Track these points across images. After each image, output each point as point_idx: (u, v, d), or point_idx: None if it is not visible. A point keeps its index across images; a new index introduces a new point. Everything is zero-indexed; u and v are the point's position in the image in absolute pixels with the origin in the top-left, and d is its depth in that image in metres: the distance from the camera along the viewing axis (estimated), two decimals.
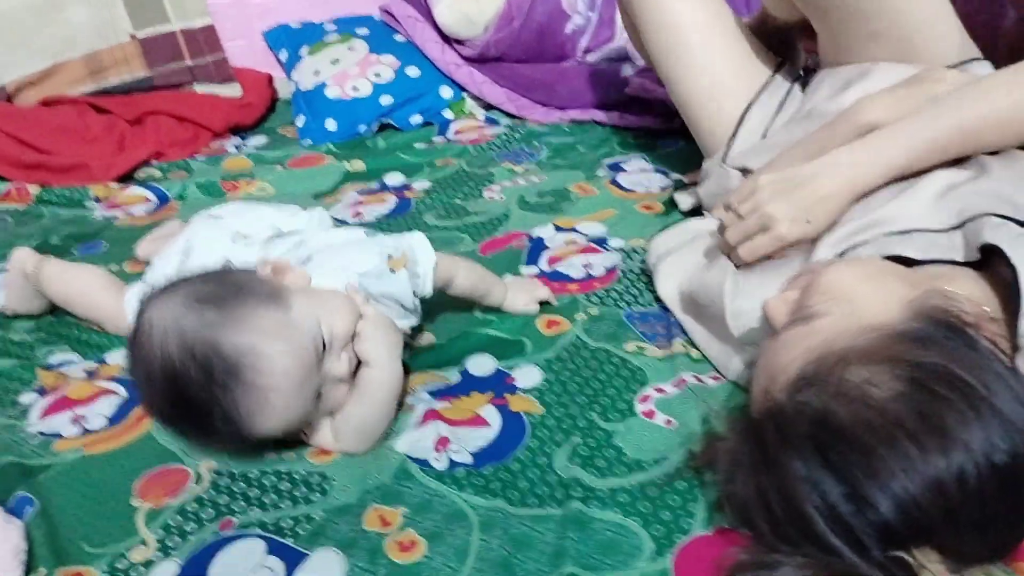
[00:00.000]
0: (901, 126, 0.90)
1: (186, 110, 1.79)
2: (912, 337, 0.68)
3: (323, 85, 1.81)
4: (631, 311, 1.08)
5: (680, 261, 1.08)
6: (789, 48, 1.33)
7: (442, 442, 0.87)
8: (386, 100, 1.79)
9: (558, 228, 1.30)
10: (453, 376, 0.98)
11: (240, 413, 0.77)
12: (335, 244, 0.98)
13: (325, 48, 1.90)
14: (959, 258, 0.79)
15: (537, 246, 1.25)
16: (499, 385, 0.96)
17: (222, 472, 0.85)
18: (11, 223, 1.45)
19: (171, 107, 1.79)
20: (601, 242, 1.25)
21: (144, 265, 1.19)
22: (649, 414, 0.90)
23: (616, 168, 1.50)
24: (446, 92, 1.83)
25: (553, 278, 1.16)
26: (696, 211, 1.28)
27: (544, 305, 1.09)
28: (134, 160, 1.63)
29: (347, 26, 1.98)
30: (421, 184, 1.51)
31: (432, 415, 0.91)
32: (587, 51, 1.86)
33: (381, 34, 1.94)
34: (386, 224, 1.37)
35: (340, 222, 1.37)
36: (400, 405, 0.91)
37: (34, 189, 1.54)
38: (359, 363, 0.86)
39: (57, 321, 1.12)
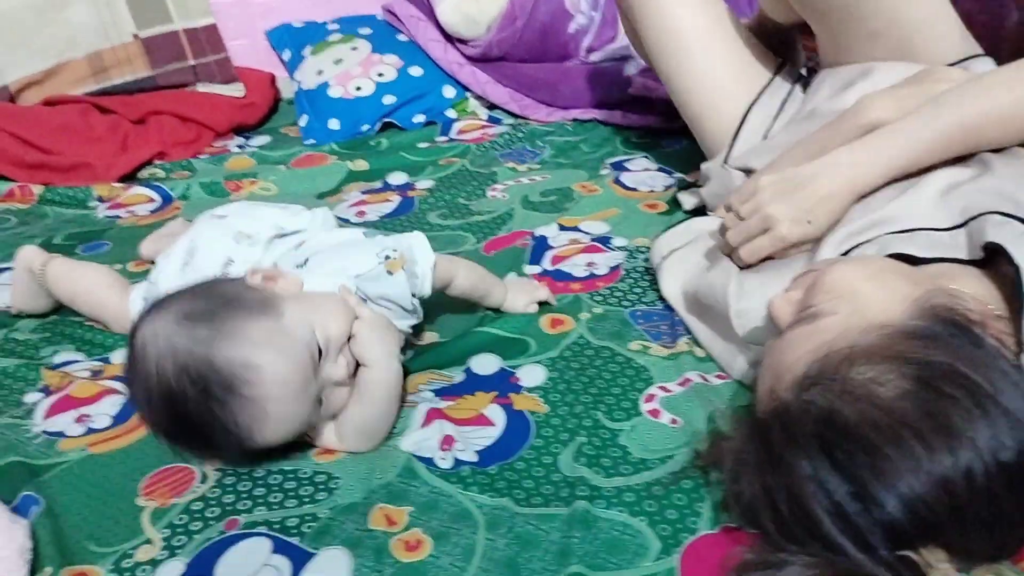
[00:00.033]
0: (901, 125, 0.90)
1: (189, 110, 1.79)
2: (917, 335, 0.68)
3: (326, 85, 1.81)
4: (635, 310, 1.08)
5: (684, 260, 1.09)
6: (789, 48, 1.33)
7: (447, 441, 0.87)
8: (389, 100, 1.79)
9: (562, 227, 1.30)
10: (457, 375, 0.98)
11: (240, 426, 0.77)
12: (332, 246, 0.98)
13: (328, 48, 1.90)
14: (963, 256, 0.79)
15: (540, 245, 1.25)
16: (503, 384, 0.96)
17: (227, 471, 0.85)
18: (15, 223, 1.45)
19: (174, 107, 1.79)
20: (605, 241, 1.25)
21: (148, 264, 1.19)
22: (654, 413, 0.90)
23: (619, 167, 1.50)
24: (449, 92, 1.83)
25: (556, 277, 1.16)
26: (699, 210, 1.27)
27: (543, 305, 1.09)
28: (137, 160, 1.63)
29: (350, 26, 1.98)
30: (424, 183, 1.51)
31: (436, 414, 0.91)
32: (590, 50, 1.86)
33: (384, 34, 1.94)
34: (389, 223, 1.37)
35: (344, 221, 1.37)
36: (402, 403, 0.91)
37: (37, 189, 1.54)
38: (358, 365, 0.86)
39: (62, 320, 1.12)
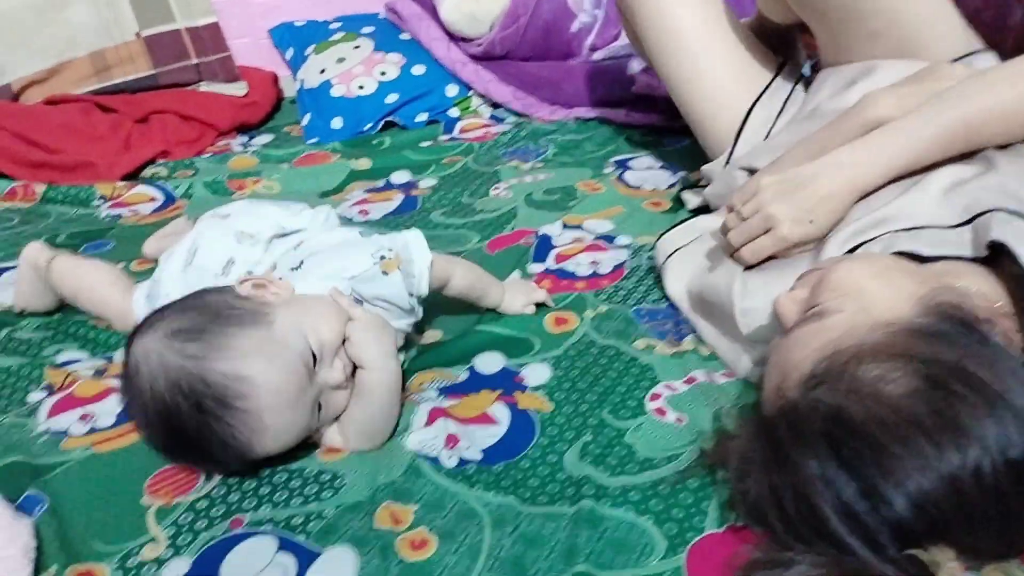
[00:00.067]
0: (903, 123, 0.90)
1: (192, 109, 1.79)
2: (924, 333, 0.68)
3: (328, 83, 1.81)
4: (640, 308, 1.08)
5: (688, 259, 1.08)
6: (790, 47, 1.33)
7: (452, 440, 0.87)
8: (392, 98, 1.78)
9: (565, 226, 1.29)
10: (461, 374, 0.98)
11: (238, 439, 0.77)
12: (328, 247, 0.97)
13: (330, 46, 1.90)
14: (967, 254, 0.79)
15: (544, 244, 1.25)
16: (508, 383, 0.96)
17: None
18: (17, 222, 1.45)
19: (177, 106, 1.79)
20: (608, 239, 1.25)
21: (151, 263, 1.19)
22: (660, 412, 0.89)
23: (623, 165, 1.50)
24: (452, 90, 1.83)
25: (560, 276, 1.16)
26: (703, 208, 1.27)
27: (541, 306, 1.09)
28: (140, 159, 1.63)
29: (352, 24, 1.98)
30: (427, 182, 1.51)
31: (440, 413, 0.91)
32: (593, 49, 1.86)
33: (386, 32, 1.94)
34: (392, 222, 1.37)
35: (346, 220, 1.37)
36: (403, 402, 0.91)
37: (40, 188, 1.54)
38: (356, 366, 0.85)
39: (65, 319, 1.12)
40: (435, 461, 0.84)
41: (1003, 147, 0.89)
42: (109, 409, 0.94)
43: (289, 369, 0.79)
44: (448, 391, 0.95)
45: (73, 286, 1.07)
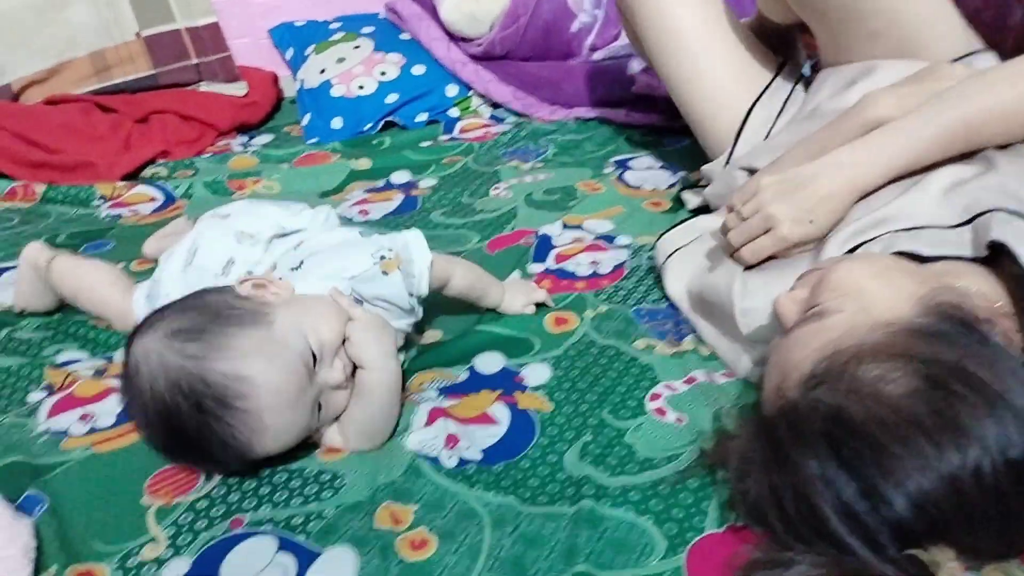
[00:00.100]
0: (902, 123, 0.90)
1: (192, 109, 1.79)
2: (925, 333, 0.68)
3: (328, 83, 1.81)
4: (640, 308, 1.08)
5: (688, 259, 1.08)
6: (790, 47, 1.33)
7: (451, 439, 0.87)
8: (392, 98, 1.78)
9: (565, 226, 1.29)
10: (461, 374, 0.98)
11: (238, 439, 0.77)
12: (328, 247, 0.97)
13: (330, 46, 1.90)
14: (967, 254, 0.79)
15: (544, 244, 1.25)
16: (508, 383, 0.96)
17: None
18: (17, 222, 1.45)
19: (177, 106, 1.79)
20: (608, 239, 1.25)
21: (151, 263, 1.19)
22: (660, 412, 0.89)
23: (623, 165, 1.50)
24: (452, 90, 1.83)
25: (560, 276, 1.16)
26: (704, 208, 1.27)
27: (541, 307, 1.08)
28: (140, 159, 1.63)
29: (352, 24, 1.98)
30: (427, 182, 1.51)
31: (440, 413, 0.91)
32: (593, 49, 1.86)
33: (386, 32, 1.94)
34: (392, 222, 1.37)
35: (346, 221, 1.37)
36: (403, 402, 0.91)
37: (40, 188, 1.54)
38: (356, 366, 0.85)
39: (65, 319, 1.12)
40: (435, 461, 0.84)
41: (1003, 147, 0.89)
42: (109, 409, 0.94)
43: (289, 369, 0.79)
44: (448, 391, 0.95)
45: (73, 286, 1.07)
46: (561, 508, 0.78)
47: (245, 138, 1.81)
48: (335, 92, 1.79)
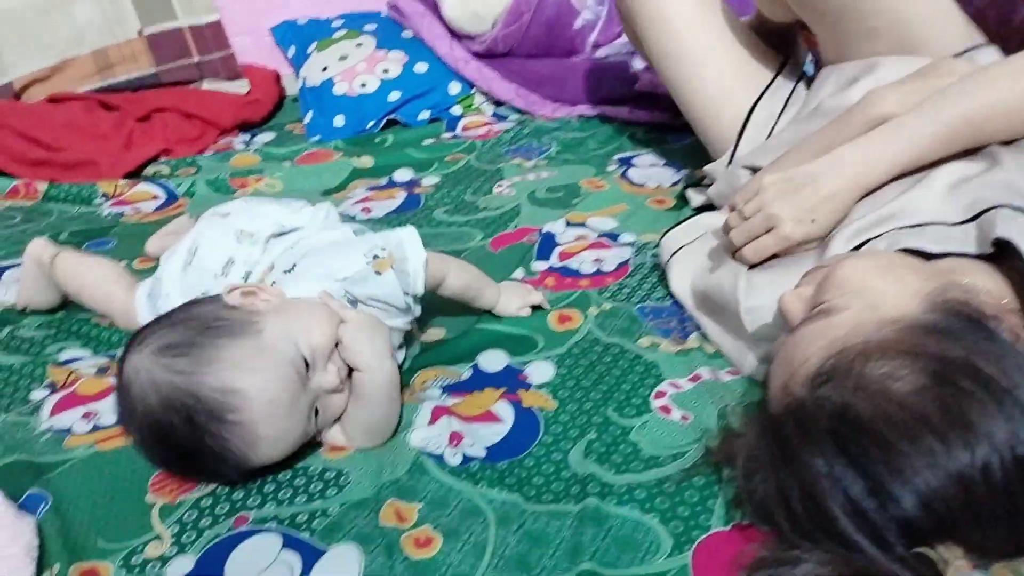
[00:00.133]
0: (905, 121, 0.90)
1: (194, 107, 1.79)
2: (932, 330, 0.67)
3: (331, 81, 1.81)
4: (644, 306, 1.07)
5: (692, 257, 1.08)
6: (790, 45, 1.33)
7: (455, 437, 0.87)
8: (394, 96, 1.78)
9: (569, 223, 1.29)
10: (465, 372, 0.98)
11: (234, 451, 0.77)
12: (320, 248, 0.96)
13: (333, 44, 1.89)
14: (973, 251, 0.79)
15: (548, 241, 1.24)
16: (511, 381, 0.95)
17: None
18: (19, 220, 1.45)
19: (179, 104, 1.79)
20: (612, 237, 1.24)
21: (153, 261, 1.18)
22: (665, 410, 0.89)
23: (627, 163, 1.49)
24: (454, 88, 1.83)
25: (564, 274, 1.16)
26: (708, 206, 1.27)
27: (537, 309, 1.08)
28: (142, 157, 1.63)
29: (355, 22, 1.98)
30: (430, 180, 1.50)
31: (444, 411, 0.90)
32: (596, 46, 1.85)
33: (389, 30, 1.93)
34: (396, 220, 1.36)
35: (349, 219, 1.36)
36: (403, 399, 0.91)
37: (42, 186, 1.54)
38: (351, 368, 0.85)
39: (68, 317, 1.12)
40: (439, 459, 0.84)
41: (1007, 143, 0.89)
42: (112, 407, 0.93)
43: (281, 378, 0.78)
44: (451, 389, 0.95)
45: (77, 282, 1.07)
46: (566, 506, 0.78)
47: (247, 136, 1.80)
48: (337, 90, 1.79)
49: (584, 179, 1.44)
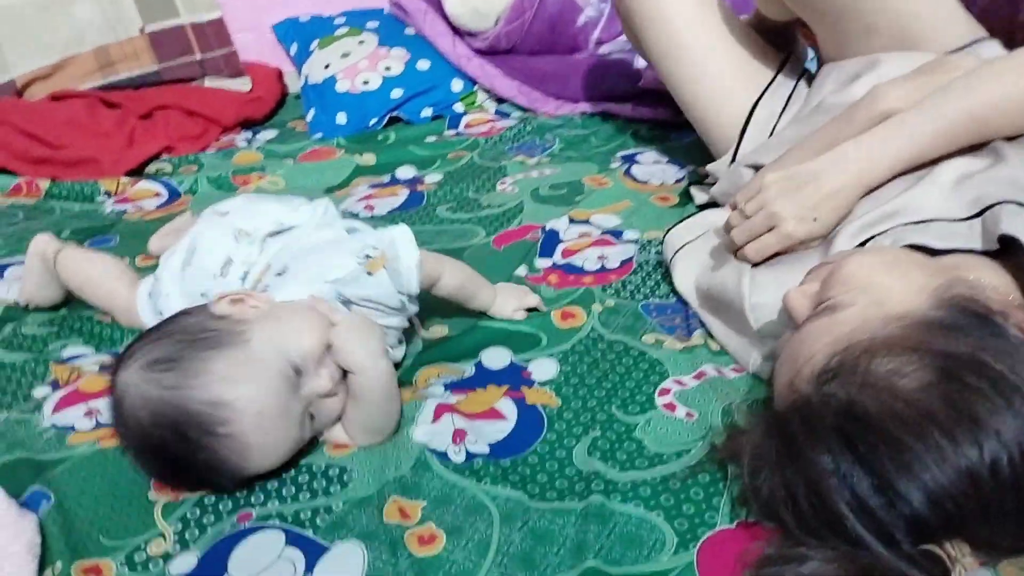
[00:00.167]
0: (907, 118, 0.89)
1: (196, 104, 1.79)
2: (938, 326, 0.67)
3: (333, 79, 1.81)
4: (648, 303, 1.07)
5: (697, 254, 1.08)
6: (791, 42, 1.32)
7: (459, 434, 0.86)
8: (396, 93, 1.78)
9: (572, 220, 1.28)
10: (468, 369, 0.97)
11: (228, 463, 0.77)
12: (311, 248, 0.95)
13: (335, 41, 1.89)
14: (978, 247, 0.78)
15: (551, 238, 1.24)
16: (515, 378, 0.95)
17: None
18: (22, 218, 1.45)
19: (181, 101, 1.79)
20: (616, 234, 1.24)
21: (155, 259, 1.18)
22: (670, 407, 0.88)
23: (630, 160, 1.49)
24: (457, 85, 1.83)
25: (568, 271, 1.15)
26: (712, 203, 1.26)
27: (532, 311, 1.06)
28: (144, 154, 1.63)
29: (357, 19, 1.97)
30: (433, 177, 1.50)
31: (447, 408, 0.90)
32: (599, 43, 1.85)
33: (391, 27, 1.93)
34: (398, 217, 1.36)
35: (352, 215, 1.36)
36: (409, 397, 0.90)
37: (44, 184, 1.54)
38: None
39: (70, 315, 1.12)
40: (443, 456, 0.84)
41: (1012, 139, 0.89)
42: None
43: (270, 387, 0.77)
44: (454, 386, 0.94)
45: (80, 278, 1.07)
46: (570, 503, 0.77)
47: (249, 134, 1.80)
48: (340, 87, 1.79)
49: (587, 176, 1.43)
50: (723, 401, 0.88)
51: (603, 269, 1.15)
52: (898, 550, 0.60)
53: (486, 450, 0.84)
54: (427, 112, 1.79)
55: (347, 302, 0.89)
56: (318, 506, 0.79)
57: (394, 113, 1.78)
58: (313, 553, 0.74)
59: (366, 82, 1.79)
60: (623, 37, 1.82)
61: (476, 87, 1.84)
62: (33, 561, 0.73)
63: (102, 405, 0.93)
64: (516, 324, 1.04)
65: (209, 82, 1.90)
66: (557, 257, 1.19)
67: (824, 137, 0.98)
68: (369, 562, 0.72)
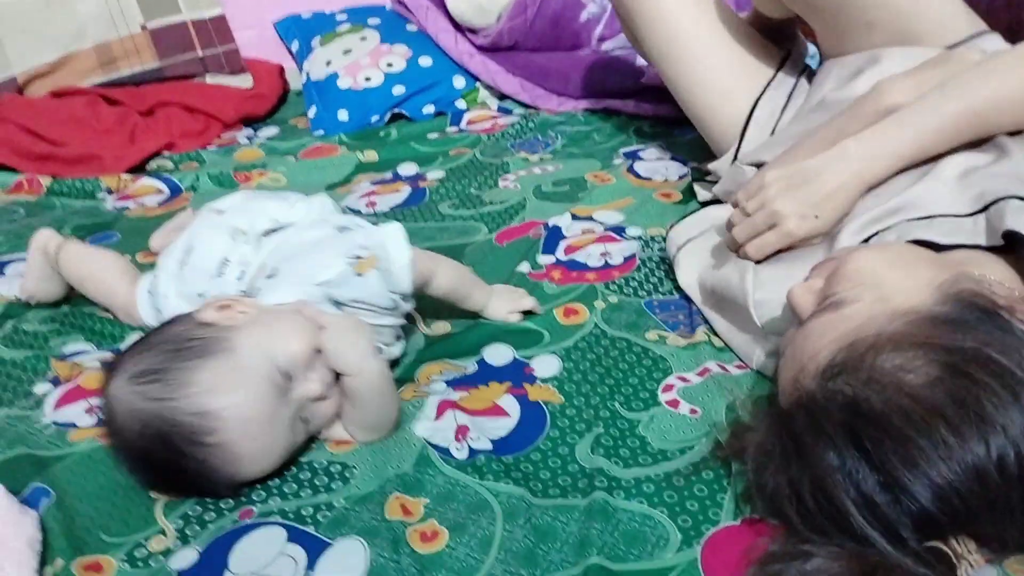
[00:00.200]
0: (909, 113, 0.89)
1: (197, 101, 1.78)
2: (945, 321, 0.66)
3: (335, 75, 1.80)
4: (651, 300, 1.07)
5: (700, 250, 1.07)
6: (790, 39, 1.32)
7: (461, 431, 0.86)
8: (398, 90, 1.77)
9: (575, 217, 1.28)
10: (470, 366, 0.97)
11: (219, 471, 0.76)
12: (301, 249, 0.94)
13: (337, 38, 1.89)
14: (983, 243, 0.78)
15: (554, 235, 1.23)
16: (517, 375, 0.95)
17: None
18: (23, 215, 1.44)
19: (182, 98, 1.79)
20: (619, 231, 1.23)
21: (156, 256, 1.18)
22: (673, 403, 0.88)
23: (633, 156, 1.48)
24: (459, 82, 1.82)
25: (570, 267, 1.15)
26: (716, 199, 1.26)
27: (528, 314, 1.05)
28: (146, 151, 1.63)
29: (359, 16, 1.97)
30: (435, 174, 1.49)
31: (450, 405, 0.90)
32: (602, 39, 1.84)
33: (393, 24, 1.93)
34: (400, 214, 1.36)
35: (354, 212, 1.36)
36: (411, 395, 0.90)
37: (46, 180, 1.54)
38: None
39: (71, 311, 1.11)
40: (446, 452, 0.83)
41: (1015, 134, 0.88)
42: None
43: (256, 395, 0.77)
44: (457, 383, 0.94)
45: (81, 273, 1.07)
46: (573, 500, 0.77)
47: (251, 131, 1.80)
48: (341, 84, 1.78)
49: (590, 173, 1.43)
50: (727, 398, 0.87)
51: (606, 266, 1.14)
52: (904, 547, 0.60)
53: (489, 447, 0.84)
54: (429, 109, 1.79)
55: (338, 303, 0.89)
56: (320, 503, 0.78)
57: (396, 110, 1.77)
58: (314, 550, 0.73)
59: (368, 79, 1.78)
60: None
61: (478, 84, 1.83)
62: (34, 558, 0.72)
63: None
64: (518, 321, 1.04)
65: (210, 79, 1.89)
66: (560, 253, 1.19)
67: (828, 134, 0.98)
68: (371, 559, 0.72)
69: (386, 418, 0.86)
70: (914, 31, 1.04)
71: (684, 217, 1.15)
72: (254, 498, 0.80)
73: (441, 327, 1.04)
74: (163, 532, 0.76)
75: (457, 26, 1.85)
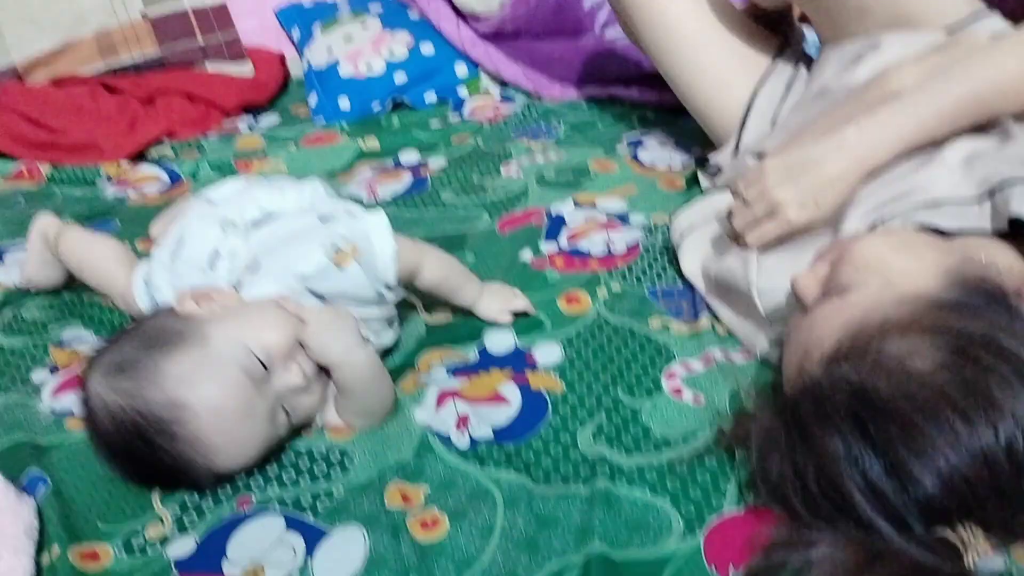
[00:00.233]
0: (910, 99, 0.88)
1: (198, 89, 1.78)
2: (952, 306, 0.66)
3: (336, 63, 1.79)
4: (655, 287, 1.06)
5: (703, 237, 1.06)
6: (787, 26, 1.31)
7: (463, 420, 0.85)
8: (400, 78, 1.76)
9: (577, 204, 1.27)
10: (471, 353, 0.96)
11: (196, 463, 0.75)
12: (282, 241, 0.92)
13: (338, 26, 1.87)
14: (988, 227, 0.77)
15: (556, 223, 1.22)
16: (518, 362, 0.94)
17: None
18: (23, 203, 1.44)
19: (182, 86, 1.78)
20: (622, 218, 1.22)
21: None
22: (677, 391, 0.87)
23: (636, 144, 1.47)
24: (461, 69, 1.81)
25: (573, 254, 1.14)
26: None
27: (522, 315, 1.03)
28: (145, 139, 1.62)
29: (360, 3, 1.95)
30: (437, 162, 1.48)
31: (450, 394, 0.89)
32: (605, 27, 1.82)
33: (394, 11, 1.91)
34: (402, 202, 1.35)
35: (356, 200, 1.34)
36: (411, 385, 0.89)
37: (45, 168, 1.53)
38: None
39: (70, 299, 1.11)
40: (447, 440, 0.83)
41: (1020, 117, 0.87)
42: None
43: (228, 386, 0.76)
44: (458, 371, 0.93)
45: (80, 258, 1.06)
46: (575, 488, 0.76)
47: (251, 118, 1.79)
48: (343, 72, 1.77)
49: (593, 160, 1.42)
50: (731, 385, 0.86)
51: (609, 253, 1.14)
52: (910, 534, 0.59)
53: (490, 435, 0.83)
54: (431, 96, 1.77)
55: (321, 297, 0.87)
56: (319, 491, 0.78)
57: (398, 97, 1.76)
58: (313, 538, 0.73)
59: (369, 66, 1.77)
60: None
61: (480, 71, 1.82)
62: (31, 545, 0.72)
63: None
64: None
65: (211, 67, 1.88)
66: (563, 241, 1.18)
67: (832, 122, 0.97)
68: (370, 547, 0.71)
69: (380, 405, 0.85)
70: (909, 13, 1.03)
71: (688, 205, 1.14)
72: (252, 486, 0.79)
73: (442, 314, 1.03)
74: (160, 520, 0.76)
75: (459, 13, 1.83)
